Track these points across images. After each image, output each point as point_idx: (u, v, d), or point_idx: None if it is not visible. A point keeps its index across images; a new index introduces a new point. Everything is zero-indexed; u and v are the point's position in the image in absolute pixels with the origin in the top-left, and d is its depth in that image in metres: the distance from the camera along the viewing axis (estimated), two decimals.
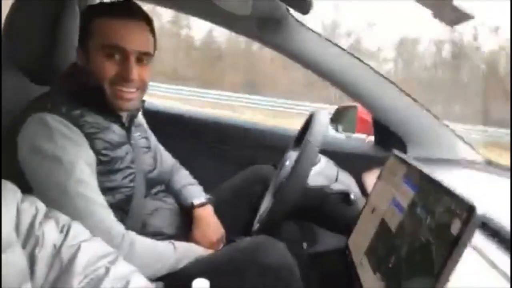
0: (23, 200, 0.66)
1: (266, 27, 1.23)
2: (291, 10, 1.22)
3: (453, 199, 0.61)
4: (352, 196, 1.13)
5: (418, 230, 0.68)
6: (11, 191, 0.65)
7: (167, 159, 1.29)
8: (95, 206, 0.89)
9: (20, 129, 0.89)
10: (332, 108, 3.07)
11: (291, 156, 1.21)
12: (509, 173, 1.21)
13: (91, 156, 0.92)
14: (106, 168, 0.96)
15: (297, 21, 1.27)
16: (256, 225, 1.14)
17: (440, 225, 0.62)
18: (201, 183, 1.28)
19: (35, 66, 1.06)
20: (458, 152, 1.41)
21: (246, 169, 1.38)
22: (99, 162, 0.94)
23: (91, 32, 0.94)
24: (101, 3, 1.00)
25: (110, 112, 1.00)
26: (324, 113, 1.13)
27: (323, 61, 1.30)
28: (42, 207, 0.69)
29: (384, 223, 0.85)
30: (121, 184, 0.99)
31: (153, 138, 1.25)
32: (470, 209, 0.56)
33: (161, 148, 1.28)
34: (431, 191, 0.70)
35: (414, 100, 1.39)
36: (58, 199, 0.85)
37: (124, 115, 1.05)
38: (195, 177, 1.30)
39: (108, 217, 0.91)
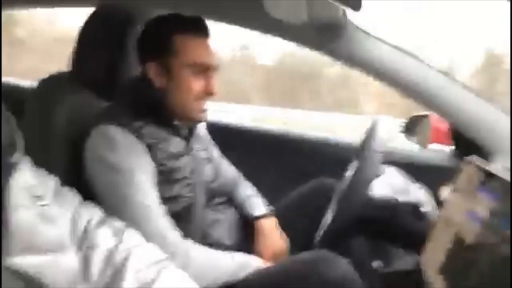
0: (81, 205, 0.69)
1: (328, 35, 1.15)
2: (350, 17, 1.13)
3: None
4: (423, 209, 1.03)
5: (499, 242, 0.59)
6: (70, 195, 0.68)
7: (229, 171, 1.29)
8: (152, 214, 0.91)
9: (86, 141, 0.95)
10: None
11: (353, 166, 1.16)
12: None
13: (151, 166, 0.96)
14: (165, 178, 0.98)
15: (362, 30, 1.18)
16: (317, 237, 1.09)
17: None
18: (264, 197, 1.27)
19: (103, 81, 1.12)
20: None
21: (309, 182, 1.34)
22: (159, 173, 0.97)
23: (173, 50, 0.97)
24: (174, 18, 1.01)
25: (170, 124, 1.03)
26: (385, 120, 1.08)
27: (397, 72, 1.17)
28: (98, 212, 0.72)
29: (460, 236, 0.75)
30: (180, 194, 1.01)
31: (215, 150, 1.26)
32: None
33: (224, 160, 1.29)
34: None
35: (496, 107, 1.24)
36: (116, 206, 0.89)
37: (183, 127, 1.07)
38: (258, 190, 1.29)
39: (164, 225, 0.93)
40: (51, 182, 0.70)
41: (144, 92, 1.02)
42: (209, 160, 1.18)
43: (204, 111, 1.03)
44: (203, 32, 1.01)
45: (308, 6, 0.92)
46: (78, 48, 1.10)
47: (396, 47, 1.18)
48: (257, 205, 1.21)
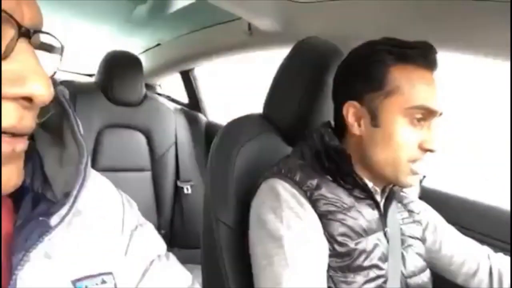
0: None
1: None
2: None
3: None
4: None
5: None
6: None
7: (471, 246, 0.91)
8: None
9: (255, 194, 0.78)
10: None
11: None
12: None
13: (322, 243, 0.71)
14: (341, 262, 0.71)
15: None
16: None
17: None
18: None
19: (293, 126, 0.94)
20: None
21: None
22: (334, 253, 0.71)
23: (389, 87, 0.72)
24: (392, 43, 0.75)
25: (360, 185, 0.76)
26: None
27: None
28: None
29: None
30: None
31: (425, 226, 0.89)
32: None
33: (451, 235, 0.91)
34: None
35: None
36: (266, 282, 0.69)
37: (378, 191, 0.79)
38: None
39: None
40: None
41: (328, 138, 0.78)
42: (421, 241, 0.85)
43: (417, 173, 0.75)
44: (430, 64, 0.73)
45: None
46: (272, 89, 0.98)
47: None
48: None
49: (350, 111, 0.76)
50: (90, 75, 2.29)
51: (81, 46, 2.01)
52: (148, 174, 1.88)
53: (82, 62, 2.23)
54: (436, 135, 0.73)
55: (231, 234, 0.84)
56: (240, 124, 0.97)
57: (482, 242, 0.98)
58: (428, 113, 0.72)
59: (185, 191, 1.93)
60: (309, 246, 0.69)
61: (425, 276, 0.81)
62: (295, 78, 0.93)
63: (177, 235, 1.93)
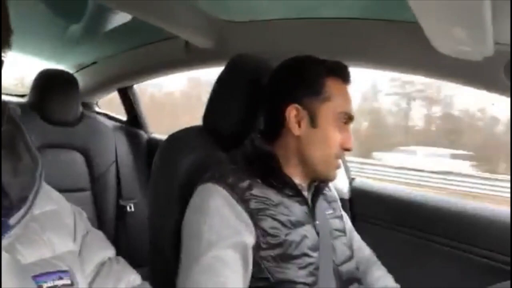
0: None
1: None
2: None
3: None
4: None
5: None
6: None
7: (363, 249, 1.04)
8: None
9: (192, 196, 0.85)
10: None
11: None
12: None
13: (247, 239, 0.78)
14: (275, 253, 0.78)
15: None
16: None
17: None
18: None
19: (233, 136, 0.99)
20: None
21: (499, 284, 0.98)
22: (267, 246, 0.78)
23: (325, 94, 0.85)
24: (324, 61, 0.89)
25: (289, 183, 0.86)
26: None
27: None
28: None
29: None
30: (295, 277, 0.78)
31: (348, 221, 1.05)
32: None
33: (355, 234, 1.06)
34: None
35: None
36: (187, 269, 0.77)
37: (305, 188, 0.90)
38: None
39: None
40: None
41: (259, 144, 0.87)
42: (343, 232, 0.96)
43: (339, 167, 0.89)
44: (349, 79, 0.90)
45: (495, 36, 0.68)
46: (210, 102, 1.03)
47: None
48: None
49: (292, 113, 0.86)
50: (22, 96, 2.20)
51: (12, 66, 1.94)
52: (88, 194, 1.83)
53: (13, 82, 2.14)
54: (351, 137, 0.88)
55: (176, 239, 0.87)
56: (181, 137, 1.02)
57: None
58: (348, 118, 0.88)
59: (128, 209, 1.91)
60: (227, 243, 0.76)
61: (353, 264, 0.93)
62: (231, 92, 1.01)
63: (122, 254, 1.88)
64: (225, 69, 1.04)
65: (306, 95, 0.86)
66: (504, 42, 0.73)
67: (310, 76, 0.87)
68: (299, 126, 0.86)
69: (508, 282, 0.86)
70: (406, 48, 0.98)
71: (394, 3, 0.90)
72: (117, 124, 2.13)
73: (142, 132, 2.16)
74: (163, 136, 2.08)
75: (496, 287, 0.85)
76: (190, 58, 1.48)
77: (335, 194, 1.03)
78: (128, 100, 2.14)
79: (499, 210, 1.14)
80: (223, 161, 0.90)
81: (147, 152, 2.09)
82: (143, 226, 1.01)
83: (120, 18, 1.49)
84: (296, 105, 0.86)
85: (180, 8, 1.24)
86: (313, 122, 0.85)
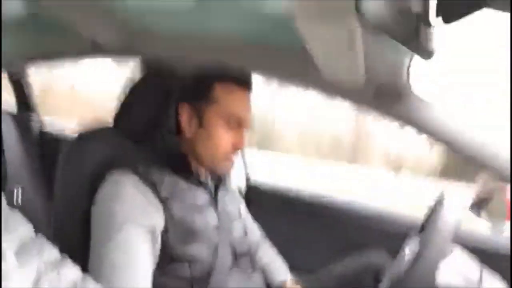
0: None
1: (384, 98, 0.96)
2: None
3: None
4: None
5: None
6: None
7: (255, 230, 1.19)
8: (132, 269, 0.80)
9: (100, 185, 0.87)
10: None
11: (413, 244, 1.02)
12: None
13: (157, 222, 0.84)
14: (182, 235, 0.87)
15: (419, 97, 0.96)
16: None
17: None
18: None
19: (144, 135, 1.01)
20: None
21: (355, 255, 1.22)
22: (174, 228, 0.86)
23: (211, 97, 0.92)
24: (219, 66, 0.96)
25: (192, 173, 0.96)
26: (459, 195, 1.01)
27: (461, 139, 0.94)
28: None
29: None
30: (199, 255, 0.88)
31: (242, 206, 1.17)
32: None
33: (249, 217, 1.19)
34: None
35: None
36: (100, 265, 0.80)
37: (208, 179, 1.00)
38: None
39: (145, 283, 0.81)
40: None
41: (167, 138, 0.96)
42: (239, 216, 1.07)
43: (231, 164, 0.98)
44: (246, 84, 0.96)
45: (367, 68, 0.82)
46: (120, 103, 1.02)
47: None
48: (281, 269, 1.15)
49: (183, 114, 0.94)
50: None
51: None
52: None
53: None
54: (245, 139, 0.96)
55: (83, 227, 0.89)
56: (92, 135, 1.01)
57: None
58: (239, 121, 0.94)
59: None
60: (136, 225, 0.82)
61: (247, 244, 1.05)
62: (140, 92, 1.04)
63: None
64: (134, 71, 1.07)
65: (195, 97, 0.94)
66: (372, 73, 0.91)
67: (199, 79, 0.94)
68: (190, 125, 0.94)
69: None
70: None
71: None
72: (6, 112, 1.98)
73: (33, 122, 2.06)
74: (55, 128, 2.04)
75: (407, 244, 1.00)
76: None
77: (235, 184, 1.18)
78: (20, 89, 2.02)
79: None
80: (134, 152, 0.96)
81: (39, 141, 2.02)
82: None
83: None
84: (187, 105, 0.94)
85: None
86: (200, 122, 0.93)
